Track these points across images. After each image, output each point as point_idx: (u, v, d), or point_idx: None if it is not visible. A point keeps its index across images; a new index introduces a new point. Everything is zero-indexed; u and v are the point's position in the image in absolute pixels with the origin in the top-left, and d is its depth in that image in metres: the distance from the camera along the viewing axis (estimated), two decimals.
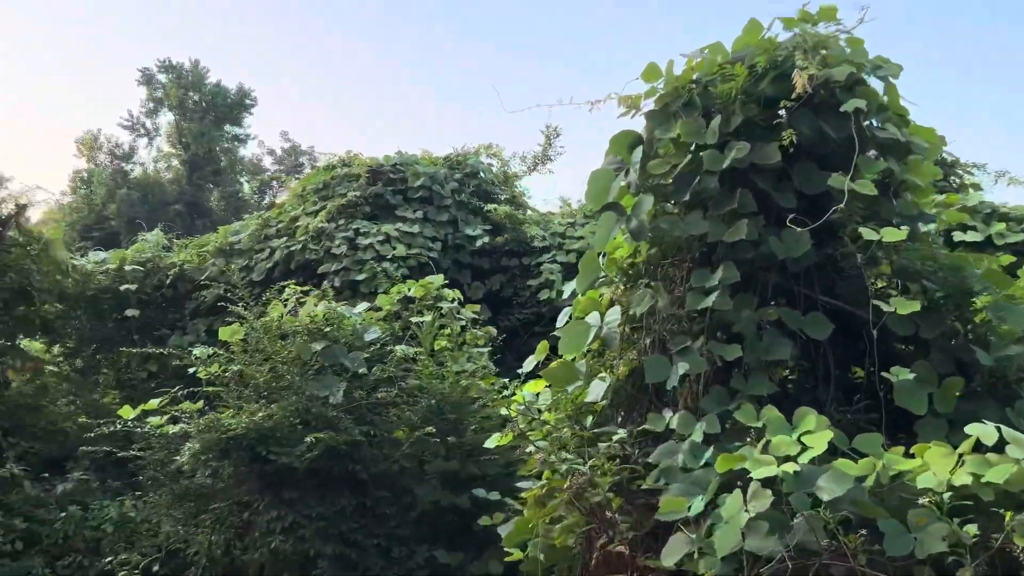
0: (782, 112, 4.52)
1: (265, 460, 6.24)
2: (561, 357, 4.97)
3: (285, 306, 7.34)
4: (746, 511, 3.35)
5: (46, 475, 9.58)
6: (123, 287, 11.28)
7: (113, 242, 24.47)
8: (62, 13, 61.90)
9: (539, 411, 4.98)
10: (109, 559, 8.28)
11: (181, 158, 46.32)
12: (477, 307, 8.11)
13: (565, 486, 4.07)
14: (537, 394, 5.12)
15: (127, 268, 11.52)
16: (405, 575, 6.28)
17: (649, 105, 4.68)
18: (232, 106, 46.31)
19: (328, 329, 7.11)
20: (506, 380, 6.89)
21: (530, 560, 5.09)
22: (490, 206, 11.41)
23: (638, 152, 4.55)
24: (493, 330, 7.88)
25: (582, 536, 4.65)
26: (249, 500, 6.78)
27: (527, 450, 5.09)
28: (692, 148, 4.45)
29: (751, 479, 3.40)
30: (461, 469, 6.74)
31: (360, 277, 10.28)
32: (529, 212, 12.38)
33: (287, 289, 8.11)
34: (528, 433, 4.82)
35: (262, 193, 53.07)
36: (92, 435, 8.32)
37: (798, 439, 3.50)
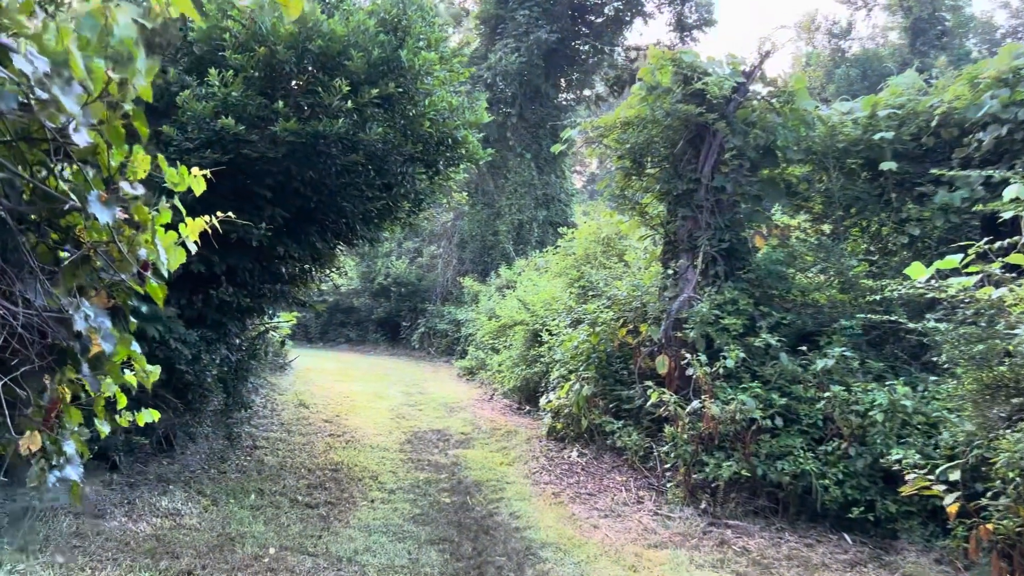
0: None
1: None
2: None
3: None
4: None
5: (803, 348, 8.55)
6: (876, 136, 9.47)
7: None
8: None
9: None
10: (897, 456, 6.76)
11: (902, 26, 42.60)
12: None
13: None
14: None
15: (880, 114, 9.66)
16: None
17: None
18: None
19: None
20: None
21: None
22: None
23: None
24: None
25: None
26: None
27: None
28: None
29: None
30: None
31: None
32: None
33: None
34: None
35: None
36: (868, 300, 6.89)
37: None
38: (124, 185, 2.19)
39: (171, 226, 2.81)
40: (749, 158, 9.65)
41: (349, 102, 6.79)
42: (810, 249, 10.27)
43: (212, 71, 6.64)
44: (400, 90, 7.16)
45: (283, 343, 11.41)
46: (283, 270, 8.73)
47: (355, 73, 6.89)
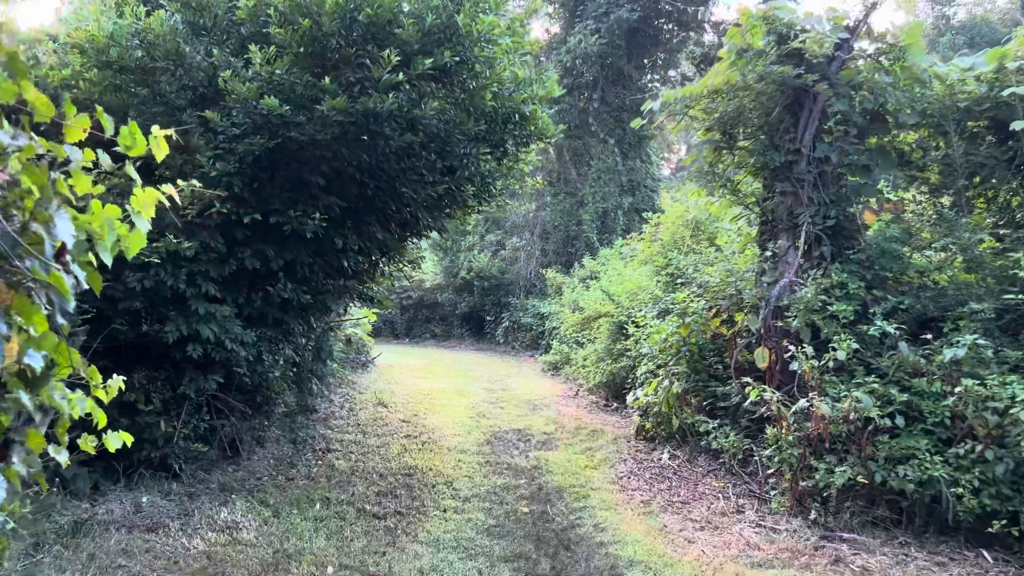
0: None
1: None
2: None
3: None
4: None
5: (927, 336, 7.48)
6: (1006, 92, 8.26)
7: None
8: None
9: None
10: None
11: None
12: None
13: None
14: None
15: (1009, 67, 8.43)
16: None
17: None
18: None
19: None
20: None
21: None
22: None
23: None
24: None
25: None
26: None
27: None
28: None
29: None
30: None
31: None
32: None
33: None
34: None
35: None
36: (1007, 278, 5.83)
37: None
38: None
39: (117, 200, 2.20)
40: (855, 124, 8.57)
41: (400, 75, 6.15)
42: (928, 224, 9.12)
43: (252, 47, 6.11)
44: (457, 59, 6.48)
45: (348, 341, 10.93)
46: (345, 264, 8.19)
47: (407, 43, 6.25)
